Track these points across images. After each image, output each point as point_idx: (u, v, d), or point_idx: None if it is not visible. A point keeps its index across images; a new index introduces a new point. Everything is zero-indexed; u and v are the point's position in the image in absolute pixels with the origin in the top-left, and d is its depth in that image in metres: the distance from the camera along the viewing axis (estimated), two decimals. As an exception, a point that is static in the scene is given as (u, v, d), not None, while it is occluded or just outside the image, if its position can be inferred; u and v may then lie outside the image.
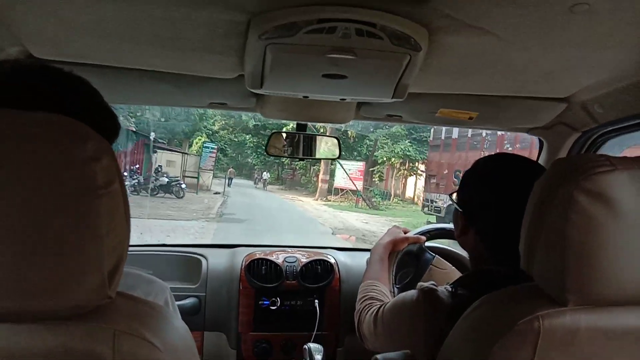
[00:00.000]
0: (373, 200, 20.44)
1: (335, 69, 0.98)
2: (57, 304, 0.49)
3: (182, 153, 21.37)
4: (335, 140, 1.68)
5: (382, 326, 1.07)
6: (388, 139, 21.07)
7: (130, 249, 1.65)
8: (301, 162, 23.36)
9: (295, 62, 0.97)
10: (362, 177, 20.94)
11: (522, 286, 0.73)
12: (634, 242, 0.62)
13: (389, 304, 1.05)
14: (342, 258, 1.86)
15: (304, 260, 1.78)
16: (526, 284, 0.72)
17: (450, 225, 1.52)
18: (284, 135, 1.68)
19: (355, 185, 20.40)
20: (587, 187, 0.62)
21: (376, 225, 13.72)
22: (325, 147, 1.72)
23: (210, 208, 14.72)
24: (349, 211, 17.83)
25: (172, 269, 1.78)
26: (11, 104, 0.53)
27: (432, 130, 17.42)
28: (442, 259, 1.53)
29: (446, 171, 15.61)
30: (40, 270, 0.47)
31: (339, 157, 1.71)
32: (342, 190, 21.84)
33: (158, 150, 19.34)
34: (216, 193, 20.07)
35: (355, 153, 23.20)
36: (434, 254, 1.53)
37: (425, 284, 0.94)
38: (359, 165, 21.50)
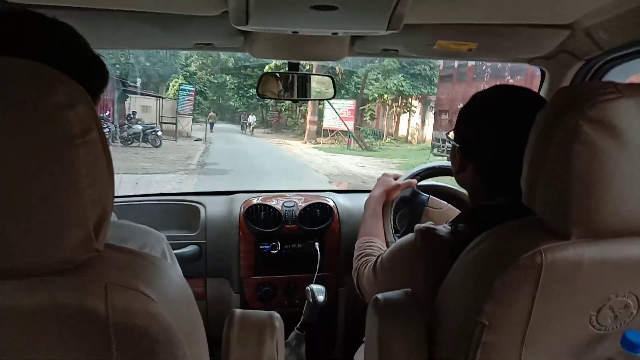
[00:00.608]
0: (366, 140, 20.44)
1: None
2: (43, 260, 0.50)
3: (157, 97, 20.81)
4: (330, 79, 1.69)
5: (382, 274, 1.10)
6: (379, 73, 20.74)
7: (126, 199, 1.68)
8: (287, 103, 23.95)
9: None
10: (352, 116, 20.75)
11: (523, 220, 0.74)
12: None
13: (387, 252, 1.08)
14: (340, 200, 1.95)
15: (303, 204, 1.87)
16: (528, 218, 0.73)
17: (441, 163, 1.60)
18: (277, 75, 1.68)
19: (346, 125, 20.26)
20: (592, 116, 0.63)
21: (374, 169, 13.62)
22: (320, 87, 1.72)
23: (190, 157, 14.37)
24: (341, 154, 17.79)
25: (170, 217, 1.85)
26: None
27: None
28: (437, 199, 1.59)
29: (461, 104, 15.50)
30: (21, 225, 0.48)
31: (333, 97, 1.72)
32: (331, 131, 21.76)
33: (130, 95, 18.74)
34: (197, 140, 19.83)
35: (342, 91, 22.83)
36: (427, 195, 1.59)
37: (422, 225, 0.97)
38: (349, 103, 21.21)
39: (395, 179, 1.57)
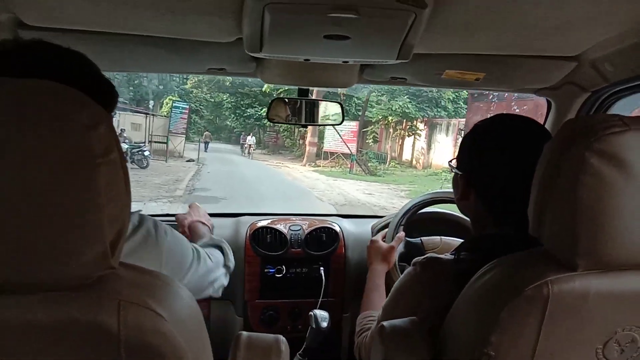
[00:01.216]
0: (369, 164, 20.51)
1: (337, 29, 1.03)
2: (59, 275, 0.53)
3: (146, 114, 20.78)
4: (338, 105, 1.79)
5: (386, 315, 1.11)
6: (382, 95, 20.96)
7: None
8: (285, 124, 24.09)
9: (295, 22, 1.02)
10: (355, 138, 20.91)
11: (530, 251, 0.77)
12: None
13: (389, 296, 1.11)
14: (346, 225, 2.03)
15: (309, 228, 1.95)
16: (535, 249, 0.77)
17: (430, 195, 1.71)
18: (286, 100, 1.78)
19: (349, 148, 20.28)
20: (599, 148, 0.66)
21: (383, 197, 13.28)
22: (328, 112, 1.82)
23: (178, 181, 13.85)
24: (343, 178, 17.87)
25: None
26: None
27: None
28: (431, 238, 1.69)
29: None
30: (40, 241, 0.51)
31: (341, 122, 1.83)
32: (332, 154, 21.87)
33: (119, 112, 18.94)
34: (189, 160, 19.81)
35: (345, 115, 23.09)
36: (419, 238, 1.70)
37: (421, 257, 1.01)
38: (352, 125, 21.33)
39: (383, 237, 1.67)
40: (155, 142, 19.25)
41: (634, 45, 1.14)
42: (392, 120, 20.59)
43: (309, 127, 21.40)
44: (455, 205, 1.15)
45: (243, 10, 1.02)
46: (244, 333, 0.91)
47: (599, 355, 0.75)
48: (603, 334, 0.73)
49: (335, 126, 20.28)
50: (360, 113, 22.70)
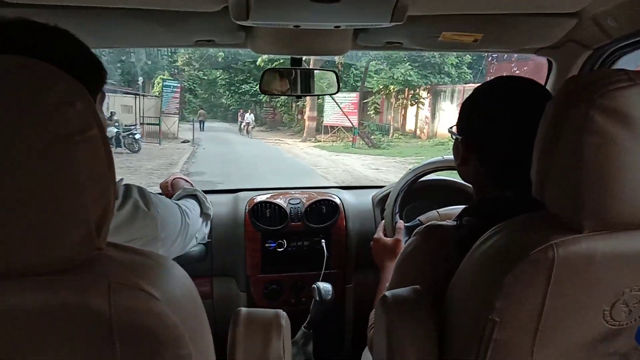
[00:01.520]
0: (372, 137, 20.30)
1: None
2: (44, 258, 0.53)
3: (136, 95, 20.27)
4: (333, 74, 1.79)
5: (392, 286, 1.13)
6: (382, 63, 20.66)
7: None
8: (282, 98, 23.43)
9: None
10: (356, 111, 20.69)
11: (534, 214, 0.78)
12: None
13: (393, 270, 1.12)
14: (346, 197, 2.07)
15: (308, 201, 1.99)
16: (539, 212, 0.77)
17: (420, 166, 1.74)
18: (280, 71, 1.78)
19: (350, 121, 20.13)
20: (604, 105, 0.65)
21: (391, 172, 12.96)
22: (323, 82, 1.83)
23: (172, 164, 13.41)
24: (346, 153, 17.55)
25: None
26: None
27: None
28: (427, 216, 1.72)
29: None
30: (21, 224, 0.51)
31: (337, 91, 1.84)
32: (332, 128, 21.67)
33: (109, 94, 18.67)
34: (184, 142, 19.63)
35: (341, 84, 22.79)
36: (417, 220, 1.72)
37: (422, 226, 1.03)
38: (352, 97, 21.12)
39: (384, 232, 1.69)
40: (147, 124, 18.81)
41: None
42: (393, 89, 20.28)
43: (308, 101, 21.88)
44: (456, 172, 1.16)
45: None
46: (243, 309, 0.93)
47: (606, 317, 0.76)
48: (610, 295, 0.74)
49: (335, 98, 20.47)
50: (359, 84, 22.46)
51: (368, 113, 22.17)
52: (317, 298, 1.73)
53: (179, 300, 0.61)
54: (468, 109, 1.05)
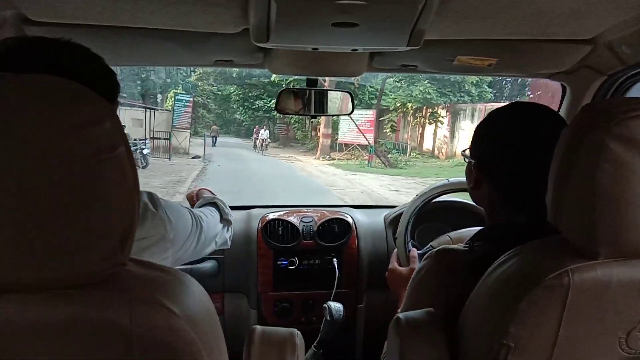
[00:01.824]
0: (389, 156, 19.74)
1: (345, 16, 1.02)
2: (69, 272, 0.54)
3: (146, 108, 19.69)
4: (348, 95, 1.82)
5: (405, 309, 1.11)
6: (400, 80, 20.34)
7: None
8: (294, 116, 23.28)
9: (302, 11, 1.02)
10: (372, 128, 19.92)
11: (549, 239, 0.78)
12: None
13: (405, 294, 1.10)
14: (359, 216, 2.08)
15: (320, 219, 2.00)
16: (553, 237, 0.77)
17: (433, 188, 1.75)
18: (295, 91, 1.79)
19: (366, 139, 19.56)
20: (619, 133, 0.66)
21: (412, 194, 12.15)
22: (338, 102, 1.85)
23: (180, 182, 12.84)
24: (363, 172, 17.06)
25: None
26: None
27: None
28: (438, 241, 1.66)
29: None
30: (47, 238, 0.52)
31: (352, 112, 1.87)
32: (347, 145, 21.18)
33: (120, 107, 17.76)
34: (195, 157, 18.89)
35: (355, 101, 21.85)
36: (429, 246, 1.67)
37: (434, 249, 1.03)
38: (369, 114, 20.64)
39: (398, 260, 1.69)
40: (157, 138, 17.87)
41: None
42: (411, 107, 19.36)
43: (322, 118, 21.23)
44: (465, 193, 1.18)
45: (249, 0, 1.04)
46: (258, 327, 0.93)
47: (622, 345, 0.75)
48: (626, 323, 0.74)
49: (351, 116, 19.64)
50: (374, 102, 22.22)
51: (384, 131, 21.74)
52: (328, 317, 1.73)
53: (197, 316, 0.61)
54: (482, 133, 1.06)
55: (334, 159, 20.85)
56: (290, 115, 25.48)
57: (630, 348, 0.76)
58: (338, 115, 2.01)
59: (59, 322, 0.55)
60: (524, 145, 0.96)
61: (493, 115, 1.06)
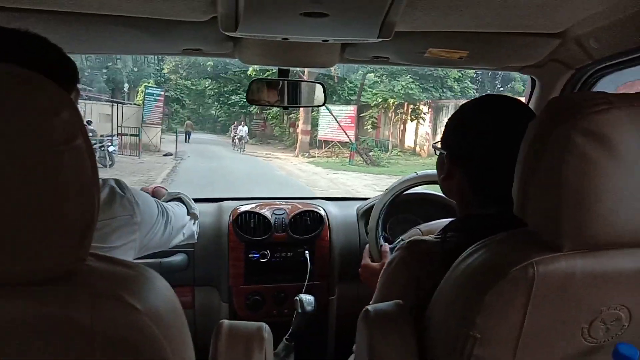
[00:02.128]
0: (371, 153, 19.23)
1: (315, 6, 1.02)
2: (25, 269, 0.53)
3: (113, 102, 18.18)
4: (320, 86, 1.80)
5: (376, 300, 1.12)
6: (381, 75, 19.90)
7: None
8: (273, 111, 22.67)
9: None
10: (354, 125, 19.09)
11: (515, 232, 0.80)
12: (632, 184, 0.68)
13: (377, 285, 1.11)
14: (331, 208, 2.09)
15: (293, 212, 2.00)
16: (519, 229, 0.79)
17: (399, 183, 1.75)
18: (267, 82, 1.78)
19: (348, 136, 18.86)
20: (584, 127, 0.67)
21: None
22: (310, 93, 1.79)
23: (148, 183, 11.82)
24: (344, 170, 16.48)
25: None
26: None
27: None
28: (410, 235, 1.69)
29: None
30: (3, 233, 0.50)
31: (324, 104, 1.84)
32: (327, 142, 20.51)
33: (85, 102, 16.33)
34: (166, 154, 17.63)
35: (334, 97, 21.98)
36: (400, 239, 1.73)
37: (405, 241, 1.04)
38: (349, 110, 19.90)
39: (370, 256, 1.71)
40: (126, 134, 16.38)
41: (619, 21, 1.17)
42: (393, 103, 18.44)
43: (301, 113, 20.72)
44: (435, 186, 1.22)
45: None
46: (226, 322, 0.93)
47: (584, 335, 0.78)
48: (589, 313, 0.76)
49: (332, 111, 18.22)
50: (352, 97, 21.65)
51: (365, 128, 21.21)
52: (300, 310, 1.75)
53: (160, 312, 0.61)
54: (454, 125, 1.08)
55: (313, 156, 20.30)
56: (267, 111, 24.35)
57: (592, 337, 0.78)
58: (310, 106, 1.99)
59: (17, 319, 0.53)
60: (494, 137, 0.98)
61: (465, 108, 1.08)
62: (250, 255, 1.93)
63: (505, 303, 0.73)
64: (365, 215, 2.04)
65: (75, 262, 0.56)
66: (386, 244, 1.68)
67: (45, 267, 0.53)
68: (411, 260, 0.99)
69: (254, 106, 19.96)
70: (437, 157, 1.12)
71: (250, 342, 0.88)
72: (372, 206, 1.80)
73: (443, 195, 1.43)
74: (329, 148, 20.41)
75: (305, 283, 1.91)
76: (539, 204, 0.73)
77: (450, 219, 1.09)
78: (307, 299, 1.75)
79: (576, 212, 0.68)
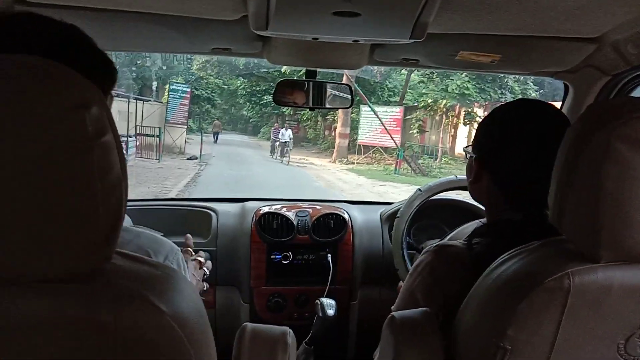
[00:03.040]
0: (420, 161, 17.33)
1: (347, 5, 1.01)
2: (51, 266, 0.52)
3: (129, 98, 16.01)
4: (347, 87, 1.82)
5: (401, 305, 1.10)
6: (432, 73, 17.52)
7: (138, 203, 2.03)
8: (307, 112, 20.26)
9: None
10: (399, 128, 18.14)
11: (550, 240, 0.80)
12: None
13: (401, 291, 1.10)
14: (355, 212, 2.11)
15: (316, 214, 2.03)
16: (555, 239, 0.79)
17: (433, 184, 1.72)
18: (294, 82, 1.81)
19: (394, 140, 17.49)
20: (625, 133, 0.66)
21: None
22: (337, 95, 1.80)
23: (163, 193, 10.32)
24: (391, 181, 14.71)
25: (181, 223, 1.98)
26: None
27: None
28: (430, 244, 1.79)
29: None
30: (31, 229, 0.50)
31: (351, 106, 1.86)
32: (368, 147, 18.39)
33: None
34: (190, 158, 15.14)
35: (372, 98, 20.08)
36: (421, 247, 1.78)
37: (433, 244, 1.04)
38: (395, 112, 17.70)
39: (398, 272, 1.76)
40: (146, 135, 13.93)
41: None
42: (446, 104, 15.77)
43: (340, 115, 19.21)
44: (467, 193, 1.22)
45: None
46: (249, 325, 0.92)
47: (620, 351, 0.75)
48: (625, 328, 0.74)
49: (377, 114, 15.00)
50: (393, 99, 19.79)
51: (410, 132, 19.33)
52: (320, 314, 1.71)
53: (185, 314, 0.59)
54: (485, 128, 1.09)
55: (352, 162, 18.71)
56: (301, 112, 21.84)
57: (628, 354, 0.75)
58: (337, 108, 1.97)
59: (40, 317, 0.53)
60: (527, 142, 0.98)
61: (497, 111, 1.09)
62: (272, 257, 1.95)
63: (538, 314, 0.70)
64: (389, 219, 2.04)
65: (101, 260, 0.55)
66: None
67: (71, 265, 0.53)
68: (438, 264, 0.99)
69: (286, 107, 17.13)
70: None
71: (274, 347, 0.84)
72: (396, 211, 1.82)
73: (470, 201, 1.52)
74: (370, 154, 18.84)
75: (327, 286, 1.91)
76: (576, 213, 0.71)
77: (476, 224, 1.11)
78: (329, 302, 1.71)
79: (615, 222, 0.66)
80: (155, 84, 22.95)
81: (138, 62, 21.87)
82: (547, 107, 1.02)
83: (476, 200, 1.12)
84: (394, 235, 1.72)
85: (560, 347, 0.70)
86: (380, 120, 16.86)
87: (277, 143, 19.53)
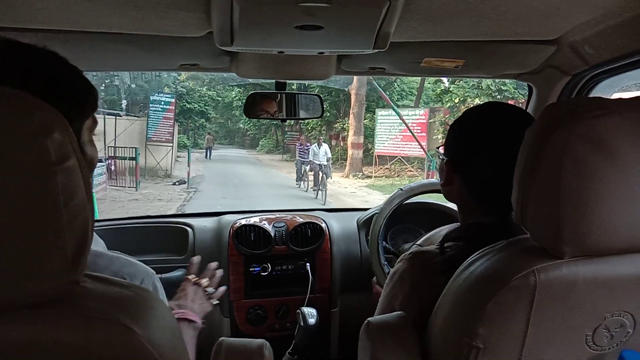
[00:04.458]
0: None
1: (310, 19, 1.04)
2: (19, 292, 0.53)
3: (106, 113, 12.75)
4: (317, 98, 1.87)
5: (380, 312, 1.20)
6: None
7: (111, 222, 1.90)
8: (312, 120, 17.78)
9: (265, 13, 1.04)
10: (425, 134, 15.18)
11: (515, 240, 0.85)
12: (630, 188, 0.70)
13: (380, 299, 1.12)
14: (332, 220, 2.21)
15: (293, 224, 2.13)
16: (520, 237, 0.85)
17: (408, 188, 1.74)
18: (264, 95, 1.90)
19: (423, 148, 14.49)
20: (581, 133, 0.68)
21: None
22: (308, 105, 1.81)
23: None
24: (427, 198, 9.58)
25: (157, 241, 2.02)
26: None
27: None
28: (407, 247, 1.92)
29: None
30: None
31: (321, 116, 1.90)
32: (383, 158, 15.30)
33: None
34: (177, 183, 11.77)
35: (380, 102, 17.52)
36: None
37: (407, 252, 1.08)
38: (419, 114, 16.03)
39: (377, 283, 1.80)
40: (120, 157, 10.65)
41: (612, 27, 1.22)
42: (479, 103, 12.10)
43: (352, 122, 17.61)
44: (442, 195, 1.27)
45: (211, 3, 1.07)
46: (225, 340, 0.91)
47: (588, 342, 0.78)
48: (592, 320, 0.78)
49: (402, 118, 12.86)
50: (400, 103, 16.69)
51: (434, 137, 16.25)
52: (302, 323, 1.74)
53: (157, 334, 0.59)
54: (455, 131, 1.11)
55: (369, 176, 15.70)
56: (304, 122, 18.65)
57: (596, 345, 0.78)
58: (308, 118, 1.95)
59: (9, 344, 0.52)
60: (492, 145, 1.01)
61: (467, 114, 1.13)
62: (250, 269, 2.01)
63: (507, 312, 0.74)
64: (365, 225, 2.10)
65: (70, 284, 0.55)
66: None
67: (40, 290, 0.53)
68: (413, 271, 1.01)
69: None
70: None
71: None
72: (372, 216, 1.87)
73: (443, 204, 1.55)
74: (388, 165, 16.28)
75: (307, 296, 1.95)
76: (538, 211, 0.74)
77: (449, 227, 1.16)
78: (310, 311, 1.73)
79: (576, 218, 0.69)
80: (124, 101, 19.71)
81: (116, 76, 18.98)
82: (514, 110, 1.08)
83: (450, 201, 1.16)
84: (371, 232, 1.77)
85: (531, 342, 0.74)
86: (405, 124, 13.48)
87: (308, 167, 13.22)
